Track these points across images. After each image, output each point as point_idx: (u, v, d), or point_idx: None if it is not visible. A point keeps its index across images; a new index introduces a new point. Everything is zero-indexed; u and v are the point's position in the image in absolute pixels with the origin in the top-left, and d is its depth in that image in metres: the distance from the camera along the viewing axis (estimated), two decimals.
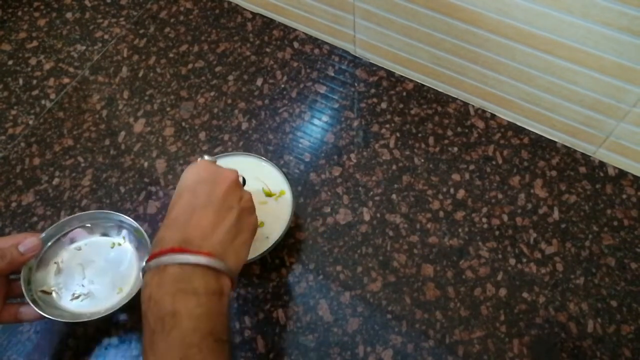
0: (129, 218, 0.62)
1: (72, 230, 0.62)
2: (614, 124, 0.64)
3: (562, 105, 0.66)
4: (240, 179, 0.55)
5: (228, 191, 0.50)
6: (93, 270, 0.61)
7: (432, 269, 0.64)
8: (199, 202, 0.49)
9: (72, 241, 0.62)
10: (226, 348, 0.45)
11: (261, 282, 0.64)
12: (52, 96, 0.80)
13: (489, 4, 0.60)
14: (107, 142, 0.75)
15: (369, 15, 0.72)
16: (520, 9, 0.58)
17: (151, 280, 0.44)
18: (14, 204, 0.70)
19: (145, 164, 0.73)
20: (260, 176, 0.65)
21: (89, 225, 0.63)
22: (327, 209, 0.68)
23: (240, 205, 0.51)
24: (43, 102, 0.79)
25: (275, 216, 0.63)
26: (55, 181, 0.72)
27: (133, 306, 0.63)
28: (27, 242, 0.55)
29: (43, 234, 0.59)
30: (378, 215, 0.67)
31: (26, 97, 0.80)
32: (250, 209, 0.53)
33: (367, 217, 0.67)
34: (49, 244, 0.60)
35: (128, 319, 0.62)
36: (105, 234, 0.63)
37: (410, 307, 0.62)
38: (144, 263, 0.47)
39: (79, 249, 0.62)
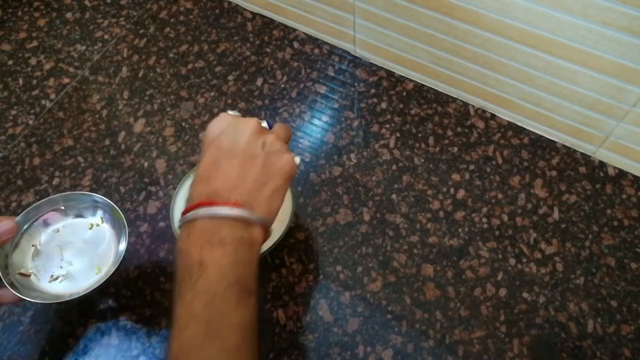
0: (103, 197, 0.61)
1: (46, 212, 0.62)
2: (614, 124, 0.64)
3: (562, 105, 0.66)
4: (264, 124, 0.53)
5: (250, 139, 0.50)
6: (71, 252, 0.61)
7: (432, 269, 0.64)
8: (222, 154, 0.49)
9: (47, 224, 0.62)
10: (253, 299, 0.45)
11: (261, 282, 0.64)
12: (52, 96, 0.80)
13: (489, 4, 0.60)
14: (107, 142, 0.75)
15: (369, 15, 0.72)
16: (520, 9, 0.58)
17: (182, 233, 0.46)
18: (14, 204, 0.70)
19: (145, 164, 0.73)
20: None
21: (63, 207, 0.62)
22: (327, 209, 0.68)
23: (265, 150, 0.50)
24: (43, 102, 0.79)
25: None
26: (55, 181, 0.72)
27: (128, 304, 0.63)
28: (1, 225, 0.54)
29: (18, 217, 0.58)
30: (378, 215, 0.67)
31: (26, 97, 0.80)
32: (278, 152, 0.50)
33: (367, 217, 0.67)
34: (25, 227, 0.60)
35: (128, 319, 0.62)
36: (79, 215, 0.63)
37: (410, 307, 0.62)
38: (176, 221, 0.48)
39: (57, 230, 0.62)
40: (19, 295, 0.55)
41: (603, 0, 0.53)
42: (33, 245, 0.61)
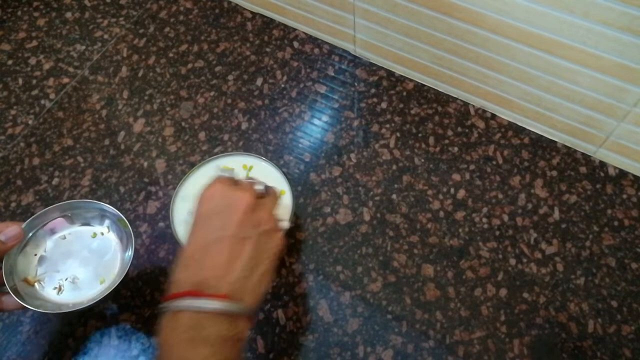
0: (111, 207, 0.60)
1: (53, 219, 0.61)
2: (614, 123, 0.64)
3: (563, 105, 0.66)
4: (260, 188, 0.51)
5: (243, 218, 0.47)
6: (76, 260, 0.60)
7: (432, 269, 0.64)
8: (212, 236, 0.46)
9: (53, 231, 0.61)
10: None
11: None
12: (52, 96, 0.80)
13: (489, 3, 0.60)
14: (106, 142, 0.75)
15: (369, 15, 0.72)
16: (521, 9, 0.58)
17: (166, 324, 0.44)
18: (13, 204, 0.70)
19: (145, 164, 0.73)
20: (260, 176, 0.65)
21: (70, 214, 0.62)
22: (327, 209, 0.68)
23: (258, 231, 0.48)
24: (43, 102, 0.79)
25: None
26: (55, 181, 0.72)
27: (128, 304, 0.63)
28: (8, 230, 0.53)
29: (24, 224, 0.58)
30: (378, 215, 0.67)
31: (26, 97, 0.80)
32: (269, 231, 0.49)
33: (367, 217, 0.67)
34: (31, 234, 0.60)
35: (128, 319, 0.62)
36: (86, 224, 0.62)
37: (411, 307, 0.62)
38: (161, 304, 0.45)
39: (63, 238, 0.61)
40: (21, 303, 0.54)
41: (603, 0, 0.53)
42: (35, 254, 0.60)
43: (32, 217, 0.59)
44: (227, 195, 0.48)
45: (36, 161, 0.74)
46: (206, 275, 0.45)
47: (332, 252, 0.65)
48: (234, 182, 0.51)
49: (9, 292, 0.55)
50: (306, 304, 0.62)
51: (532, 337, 0.59)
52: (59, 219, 0.61)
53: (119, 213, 0.60)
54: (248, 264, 0.46)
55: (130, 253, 0.59)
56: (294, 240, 0.66)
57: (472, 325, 0.60)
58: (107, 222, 0.62)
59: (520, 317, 0.61)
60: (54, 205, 0.60)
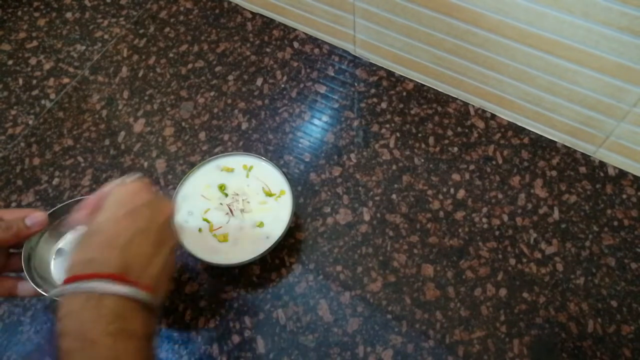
0: None
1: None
2: (614, 123, 0.64)
3: (563, 105, 0.66)
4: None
5: (166, 223, 0.48)
6: None
7: (432, 269, 0.64)
8: (139, 226, 0.45)
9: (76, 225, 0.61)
10: None
11: (261, 282, 0.64)
12: (52, 96, 0.80)
13: (489, 3, 0.60)
14: (107, 142, 0.75)
15: (369, 15, 0.72)
16: (521, 9, 0.58)
17: (82, 310, 0.39)
18: (13, 204, 0.70)
19: (145, 164, 0.73)
20: (260, 176, 0.65)
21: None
22: (327, 209, 0.68)
23: (172, 242, 0.49)
24: (43, 102, 0.79)
25: (275, 216, 0.63)
26: (55, 181, 0.72)
27: None
28: (34, 215, 0.53)
29: (50, 211, 0.58)
30: (378, 215, 0.67)
31: (26, 97, 0.80)
32: (175, 247, 0.50)
33: (367, 217, 0.67)
34: (54, 223, 0.60)
35: None
36: None
37: (410, 307, 0.62)
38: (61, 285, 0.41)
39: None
40: (37, 289, 0.54)
41: (603, 0, 0.53)
42: (57, 243, 0.60)
43: (57, 206, 0.59)
44: (154, 196, 0.49)
45: (36, 161, 0.74)
46: (131, 262, 0.43)
47: (332, 252, 0.65)
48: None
49: (25, 278, 0.55)
50: (306, 304, 0.62)
51: (532, 337, 0.59)
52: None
53: None
54: (164, 264, 0.46)
55: None
56: (294, 240, 0.66)
57: (472, 325, 0.60)
58: None
59: (520, 317, 0.61)
60: (77, 199, 0.60)
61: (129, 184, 0.49)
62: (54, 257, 0.60)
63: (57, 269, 0.59)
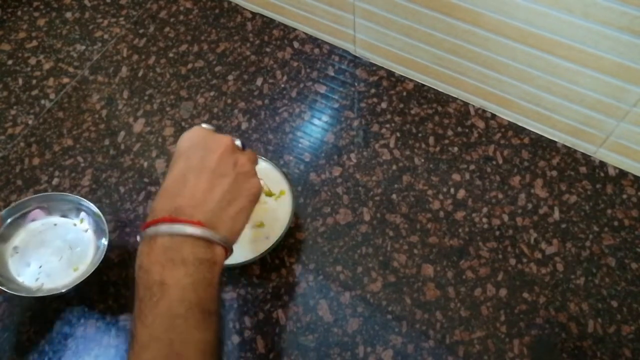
0: (87, 201, 0.64)
1: (31, 210, 0.64)
2: (614, 123, 0.64)
3: (563, 105, 0.66)
4: (238, 142, 0.52)
5: (222, 157, 0.49)
6: (50, 249, 0.63)
7: (432, 269, 0.64)
8: (191, 168, 0.48)
9: (31, 221, 0.64)
10: (214, 320, 0.45)
11: (261, 282, 0.64)
12: (52, 96, 0.80)
13: (489, 3, 0.60)
14: (106, 142, 0.75)
15: (369, 15, 0.72)
16: (521, 8, 0.58)
17: (142, 249, 0.45)
18: (13, 204, 0.70)
19: (145, 164, 0.73)
20: (260, 176, 0.65)
21: (46, 206, 0.65)
22: (327, 209, 0.68)
23: (236, 170, 0.49)
24: (42, 102, 0.79)
25: (275, 216, 0.63)
26: (55, 181, 0.72)
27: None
28: None
29: (3, 212, 0.61)
30: (378, 215, 0.67)
31: (26, 97, 0.80)
32: (247, 173, 0.50)
33: (367, 217, 0.67)
34: (8, 220, 0.63)
35: (127, 319, 0.62)
36: (64, 216, 0.65)
37: (411, 307, 0.62)
38: (138, 236, 0.47)
39: (38, 228, 0.64)
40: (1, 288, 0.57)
41: (603, 0, 0.53)
42: (12, 240, 0.63)
43: (10, 206, 0.63)
44: (207, 136, 0.50)
45: (36, 161, 0.74)
46: (182, 204, 0.46)
47: (332, 252, 0.65)
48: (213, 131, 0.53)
49: None
50: (306, 304, 0.62)
51: (532, 337, 0.59)
52: (36, 209, 0.64)
53: (96, 208, 0.63)
54: (224, 197, 0.47)
55: (104, 242, 0.62)
56: (294, 240, 0.66)
57: (472, 325, 0.60)
58: (82, 214, 0.65)
59: (520, 317, 0.61)
60: (31, 197, 0.64)
61: (184, 134, 0.51)
62: (10, 252, 0.63)
63: (14, 265, 0.62)
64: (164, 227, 0.44)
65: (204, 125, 0.53)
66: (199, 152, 0.49)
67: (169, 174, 0.48)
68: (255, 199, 0.51)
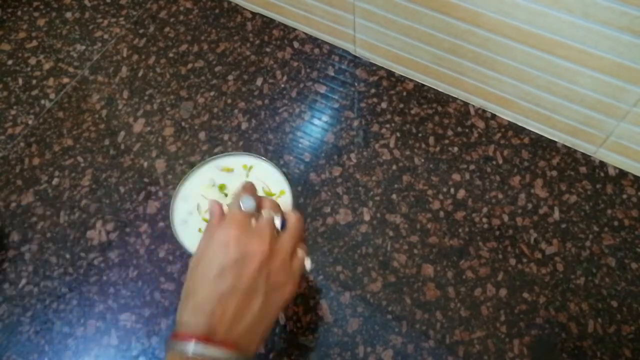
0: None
1: None
2: (614, 123, 0.64)
3: (563, 105, 0.66)
4: (278, 222, 0.51)
5: (255, 272, 0.47)
6: None
7: (432, 269, 0.64)
8: (225, 287, 0.46)
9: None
10: None
11: None
12: (52, 96, 0.80)
13: (489, 3, 0.60)
14: (106, 142, 0.75)
15: (369, 15, 0.72)
16: (521, 8, 0.58)
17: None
18: (13, 204, 0.70)
19: (145, 164, 0.73)
20: (260, 176, 0.65)
21: None
22: (327, 209, 0.68)
23: (270, 283, 0.48)
24: (42, 102, 0.79)
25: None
26: (55, 181, 0.72)
27: (128, 304, 0.63)
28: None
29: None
30: (378, 215, 0.67)
31: (26, 97, 0.80)
32: (282, 284, 0.49)
33: (367, 217, 0.67)
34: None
35: (128, 319, 0.62)
36: None
37: (411, 307, 0.62)
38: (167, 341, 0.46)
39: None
40: None
41: (603, 0, 0.53)
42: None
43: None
44: (242, 243, 0.48)
45: (36, 161, 0.74)
46: (216, 324, 0.45)
47: (332, 252, 0.65)
48: (249, 221, 0.50)
49: None
50: (306, 303, 0.62)
51: (532, 337, 0.59)
52: None
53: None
54: (257, 316, 0.47)
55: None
56: None
57: (472, 325, 0.60)
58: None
59: (520, 317, 0.61)
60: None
61: (218, 236, 0.49)
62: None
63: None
64: (199, 348, 0.44)
65: (243, 204, 0.50)
66: (233, 269, 0.47)
67: (200, 288, 0.47)
68: (286, 304, 0.50)
